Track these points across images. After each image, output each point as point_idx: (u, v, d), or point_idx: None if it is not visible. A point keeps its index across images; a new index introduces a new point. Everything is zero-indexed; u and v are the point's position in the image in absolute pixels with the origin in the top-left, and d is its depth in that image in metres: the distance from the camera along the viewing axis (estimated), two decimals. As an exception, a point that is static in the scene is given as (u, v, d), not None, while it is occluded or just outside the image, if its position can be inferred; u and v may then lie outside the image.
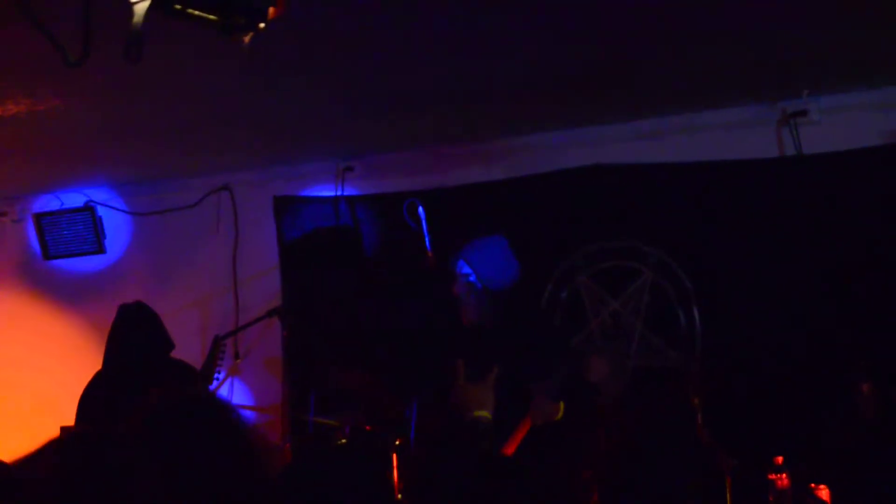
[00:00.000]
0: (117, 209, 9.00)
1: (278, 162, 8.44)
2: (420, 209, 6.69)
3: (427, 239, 6.69)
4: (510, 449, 5.80)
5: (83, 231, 8.97)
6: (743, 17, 5.49)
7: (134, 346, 6.76)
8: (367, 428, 6.51)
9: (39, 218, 9.04)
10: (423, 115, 7.29)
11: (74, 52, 2.57)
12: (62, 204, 9.04)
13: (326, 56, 5.70)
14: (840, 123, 7.20)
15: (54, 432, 4.40)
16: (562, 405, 5.78)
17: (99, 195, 8.98)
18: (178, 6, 2.50)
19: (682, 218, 7.48)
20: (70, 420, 6.90)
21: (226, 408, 3.31)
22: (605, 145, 7.71)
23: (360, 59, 5.80)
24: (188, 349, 7.28)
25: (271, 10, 2.57)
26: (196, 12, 2.51)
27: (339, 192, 8.32)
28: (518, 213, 7.78)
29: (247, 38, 2.57)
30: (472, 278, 6.04)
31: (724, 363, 7.16)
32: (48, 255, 9.10)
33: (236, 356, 7.53)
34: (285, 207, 8.53)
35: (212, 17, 2.53)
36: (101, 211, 9.01)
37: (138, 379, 6.57)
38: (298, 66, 5.83)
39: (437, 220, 6.94)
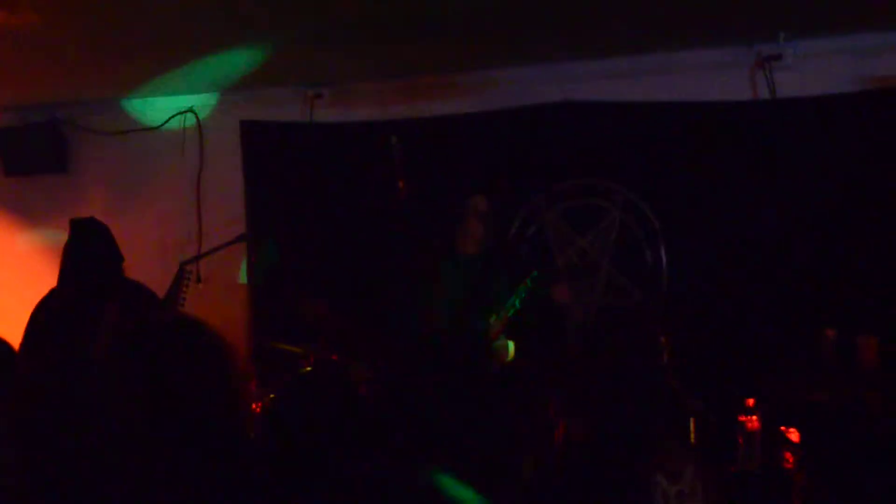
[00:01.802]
0: (81, 127, 8.88)
1: (246, 86, 8.32)
2: (394, 140, 6.68)
3: (399, 169, 6.68)
4: None
5: (45, 148, 8.82)
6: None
7: (88, 259, 6.67)
8: (334, 357, 6.50)
9: (1, 133, 8.88)
10: (395, 45, 7.21)
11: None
12: (25, 120, 8.89)
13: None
14: (814, 69, 7.22)
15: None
16: (511, 346, 5.83)
17: (62, 112, 8.85)
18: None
19: (652, 157, 7.48)
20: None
21: (207, 330, 3.29)
22: (578, 82, 7.69)
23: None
24: (148, 271, 7.17)
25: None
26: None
27: (307, 119, 8.24)
28: (489, 147, 7.77)
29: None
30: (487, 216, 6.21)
31: (692, 303, 7.20)
32: (8, 171, 8.96)
33: (198, 280, 7.45)
34: (252, 132, 8.43)
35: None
36: (63, 128, 8.88)
37: (93, 294, 6.50)
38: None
39: (408, 150, 6.91)
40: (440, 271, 6.57)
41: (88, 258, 6.58)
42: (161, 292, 6.90)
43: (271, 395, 6.21)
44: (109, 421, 2.97)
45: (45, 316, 6.60)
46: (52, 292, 6.75)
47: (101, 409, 2.99)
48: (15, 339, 6.73)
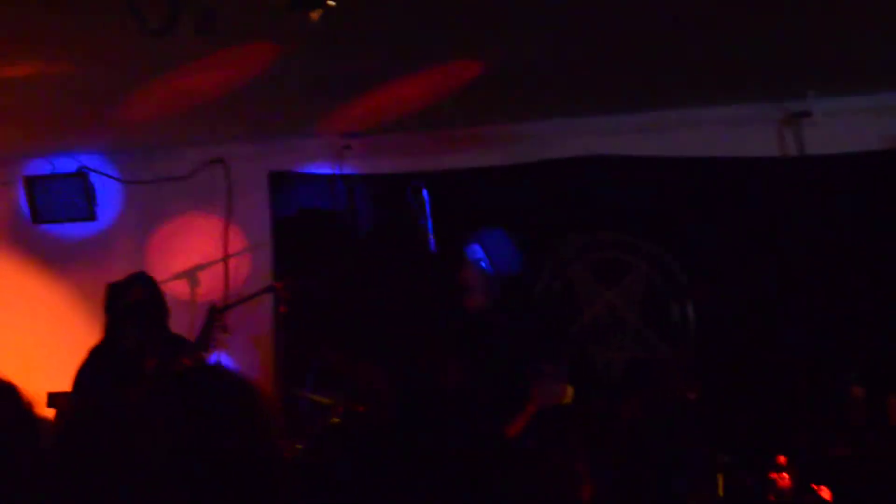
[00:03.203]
0: (110, 176, 8.90)
1: (275, 136, 8.36)
2: (424, 192, 6.70)
3: (427, 221, 6.70)
4: (513, 430, 5.81)
5: (74, 197, 8.83)
6: (751, 13, 5.48)
7: (131, 315, 6.78)
8: (361, 409, 6.51)
9: (30, 181, 8.92)
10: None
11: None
12: (54, 168, 8.93)
13: (331, 33, 5.62)
14: (842, 126, 7.26)
15: (41, 397, 4.36)
16: (571, 389, 5.79)
17: (91, 161, 8.88)
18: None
19: (679, 212, 7.51)
20: (56, 384, 6.88)
21: (237, 377, 3.30)
22: (606, 136, 7.72)
23: (364, 39, 5.74)
24: (174, 320, 7.23)
25: (342, -13, 2.54)
26: (268, -13, 2.47)
27: (336, 171, 8.26)
28: (516, 200, 7.79)
29: (315, 15, 2.54)
30: (483, 264, 6.10)
31: (721, 358, 7.18)
32: (37, 219, 8.97)
33: (224, 331, 7.47)
34: (280, 183, 8.48)
35: (283, -9, 2.50)
36: (93, 177, 8.90)
37: (135, 347, 6.61)
38: (302, 40, 5.73)
39: (434, 202, 6.95)
40: (453, 325, 6.50)
41: (129, 310, 6.68)
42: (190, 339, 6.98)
43: (299, 446, 6.22)
44: (143, 470, 2.97)
45: (90, 371, 6.68)
46: (96, 348, 6.82)
47: (136, 457, 3.00)
48: (49, 386, 6.88)
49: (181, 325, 7.28)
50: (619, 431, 6.26)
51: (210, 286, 8.50)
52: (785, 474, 5.77)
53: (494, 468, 5.76)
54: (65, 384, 6.74)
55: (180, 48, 5.61)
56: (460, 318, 6.26)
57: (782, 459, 5.86)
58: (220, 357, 7.45)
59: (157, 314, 6.88)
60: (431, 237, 6.73)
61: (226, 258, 8.58)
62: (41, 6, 4.88)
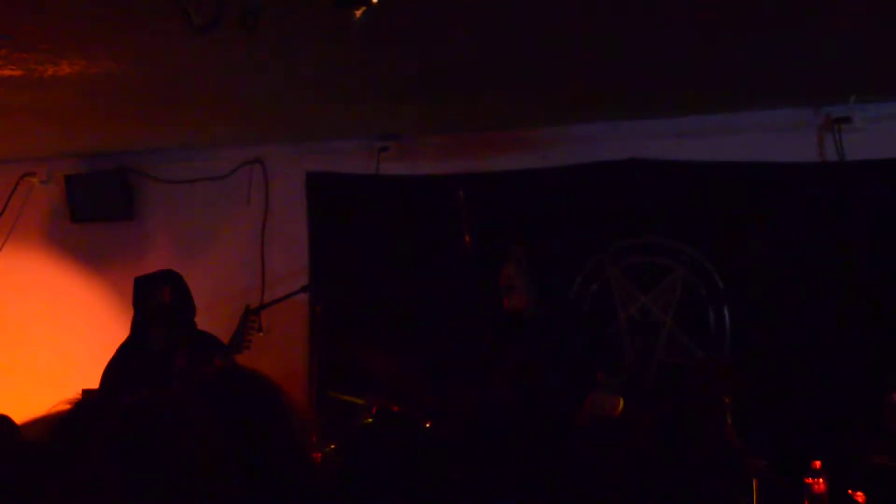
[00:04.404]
0: (148, 175, 8.95)
1: (313, 137, 8.40)
2: (461, 194, 6.71)
3: (465, 224, 6.71)
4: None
5: (112, 195, 8.88)
6: (792, 18, 5.45)
7: (159, 313, 6.81)
8: (395, 409, 6.52)
9: (69, 180, 8.97)
10: (462, 100, 7.25)
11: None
12: (93, 167, 8.97)
13: (371, 35, 5.61)
14: (884, 132, 7.21)
15: (76, 393, 4.39)
16: (621, 401, 5.79)
17: (130, 160, 8.93)
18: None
19: (717, 217, 7.49)
20: (92, 382, 6.91)
21: (266, 379, 3.32)
22: (643, 140, 7.72)
23: (404, 40, 5.74)
24: (211, 319, 7.26)
25: (385, -16, 2.55)
26: (311, -17, 2.48)
27: (373, 172, 8.28)
28: (553, 203, 7.79)
29: (358, 13, 2.55)
30: (523, 265, 6.12)
31: (756, 363, 7.15)
32: (76, 217, 9.02)
33: (260, 330, 7.49)
34: (318, 183, 8.50)
35: (327, -12, 2.51)
36: (131, 176, 8.95)
37: (163, 346, 6.65)
38: (338, 42, 5.72)
39: (472, 204, 6.96)
40: (494, 326, 6.52)
41: (159, 312, 6.72)
42: (224, 339, 6.99)
43: (332, 446, 6.23)
44: (176, 469, 2.97)
45: (117, 369, 6.73)
46: (124, 346, 6.86)
47: (169, 457, 3.00)
48: (85, 383, 6.91)
49: (216, 325, 7.30)
50: (653, 435, 6.27)
51: (246, 286, 8.53)
52: (820, 479, 5.74)
53: (543, 470, 5.78)
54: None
55: (223, 48, 5.63)
56: (501, 318, 6.29)
57: (818, 464, 5.84)
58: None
59: (185, 314, 6.92)
60: (469, 239, 6.73)
61: (262, 258, 8.61)
62: (84, 5, 4.89)
